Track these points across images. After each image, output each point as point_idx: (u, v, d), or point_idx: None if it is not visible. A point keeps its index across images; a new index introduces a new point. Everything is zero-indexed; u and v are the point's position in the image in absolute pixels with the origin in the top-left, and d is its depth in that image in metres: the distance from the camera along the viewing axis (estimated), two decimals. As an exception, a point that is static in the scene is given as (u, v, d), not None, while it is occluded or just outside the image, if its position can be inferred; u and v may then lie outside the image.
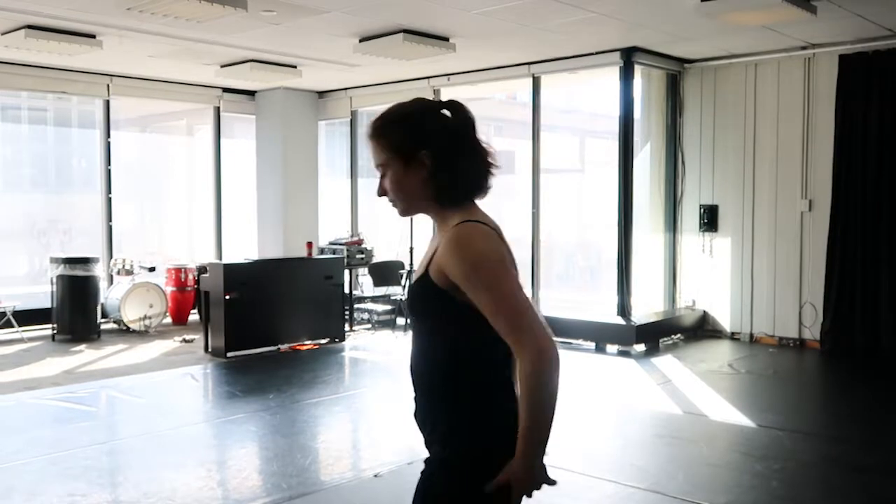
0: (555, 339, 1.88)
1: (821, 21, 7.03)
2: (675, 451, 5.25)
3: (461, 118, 2.01)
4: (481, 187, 2.01)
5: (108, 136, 10.53)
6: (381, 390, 6.98)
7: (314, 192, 11.92)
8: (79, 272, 9.23)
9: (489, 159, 2.01)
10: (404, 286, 10.00)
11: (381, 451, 5.12)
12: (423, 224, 10.49)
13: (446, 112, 2.01)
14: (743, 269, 9.05)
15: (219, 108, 11.56)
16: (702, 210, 9.28)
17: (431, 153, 1.96)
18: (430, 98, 2.29)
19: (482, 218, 1.98)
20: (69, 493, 4.35)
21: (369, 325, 10.19)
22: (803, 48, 8.40)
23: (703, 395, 6.63)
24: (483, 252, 1.88)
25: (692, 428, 5.77)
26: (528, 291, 2.49)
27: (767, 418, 5.90)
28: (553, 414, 1.84)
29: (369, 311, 10.33)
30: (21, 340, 9.03)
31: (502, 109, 13.25)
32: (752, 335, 8.98)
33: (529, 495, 1.91)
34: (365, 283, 10.87)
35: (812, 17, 6.73)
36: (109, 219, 10.56)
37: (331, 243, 10.49)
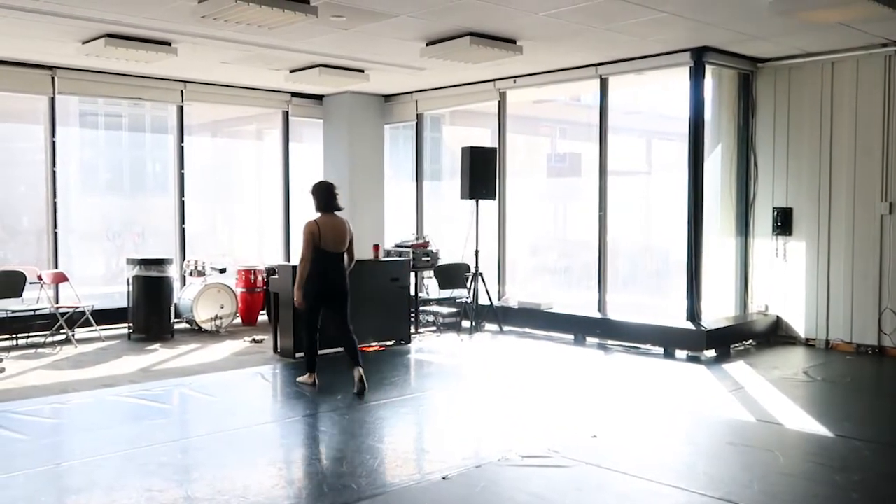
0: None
1: (903, 17, 6.79)
2: (748, 460, 5.12)
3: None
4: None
5: (182, 140, 10.81)
6: (448, 393, 7.00)
7: (380, 194, 12.02)
8: (153, 273, 9.50)
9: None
10: (469, 288, 10.01)
11: (448, 453, 5.12)
12: (489, 227, 10.48)
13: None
14: (818, 273, 8.79)
15: (287, 112, 11.76)
16: (775, 213, 9.05)
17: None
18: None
19: (318, 219, 7.08)
20: (146, 489, 4.46)
21: (434, 328, 10.22)
22: (884, 45, 8.12)
23: (777, 402, 6.46)
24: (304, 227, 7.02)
25: (766, 436, 5.62)
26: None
27: (845, 428, 5.72)
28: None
29: (434, 314, 10.36)
30: (99, 339, 9.34)
31: (567, 111, 13.16)
32: (827, 342, 8.71)
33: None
34: (430, 286, 10.92)
35: (893, 12, 6.50)
36: (182, 221, 10.84)
37: (397, 246, 10.57)
